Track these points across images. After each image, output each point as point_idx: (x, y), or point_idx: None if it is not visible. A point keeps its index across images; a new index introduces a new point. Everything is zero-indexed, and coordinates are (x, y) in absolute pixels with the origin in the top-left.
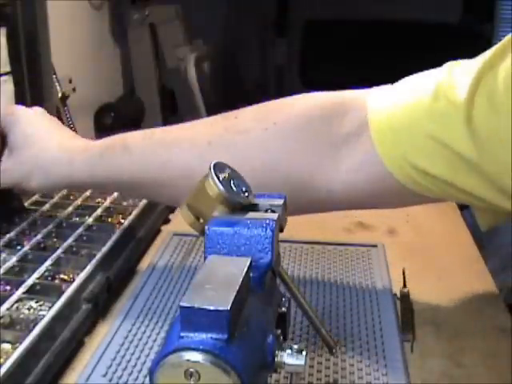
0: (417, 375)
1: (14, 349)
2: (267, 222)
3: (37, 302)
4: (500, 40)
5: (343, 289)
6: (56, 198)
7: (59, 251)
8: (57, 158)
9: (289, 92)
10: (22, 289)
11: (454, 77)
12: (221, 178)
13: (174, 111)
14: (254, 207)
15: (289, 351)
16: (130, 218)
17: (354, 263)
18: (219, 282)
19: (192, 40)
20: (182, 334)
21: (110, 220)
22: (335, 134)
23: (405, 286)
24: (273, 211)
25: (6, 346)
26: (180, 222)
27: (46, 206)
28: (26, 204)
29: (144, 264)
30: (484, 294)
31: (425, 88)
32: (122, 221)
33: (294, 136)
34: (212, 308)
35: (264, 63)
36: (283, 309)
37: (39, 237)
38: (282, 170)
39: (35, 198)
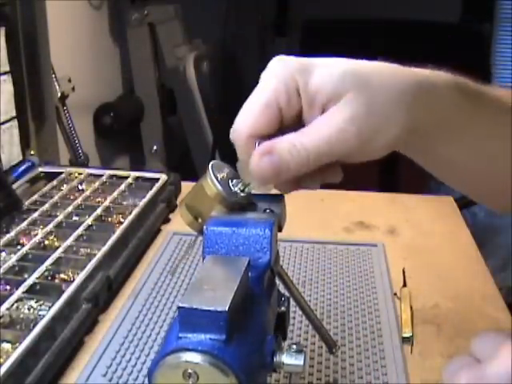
0: (417, 375)
1: (14, 348)
2: (266, 221)
3: (37, 302)
4: (500, 40)
5: (343, 288)
6: (56, 198)
7: (59, 251)
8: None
9: None
10: (22, 288)
11: None
12: (219, 178)
13: (173, 111)
14: (252, 207)
15: (288, 351)
16: (130, 217)
17: (354, 263)
18: (218, 282)
19: (191, 39)
20: (180, 335)
21: (109, 220)
22: None
23: (405, 285)
24: (271, 211)
25: (6, 346)
26: (180, 221)
27: (46, 206)
28: (25, 204)
29: (144, 264)
30: (484, 294)
31: None
32: (122, 221)
33: None
34: (210, 309)
35: (264, 63)
36: (282, 308)
37: (39, 237)
38: None
39: (35, 197)
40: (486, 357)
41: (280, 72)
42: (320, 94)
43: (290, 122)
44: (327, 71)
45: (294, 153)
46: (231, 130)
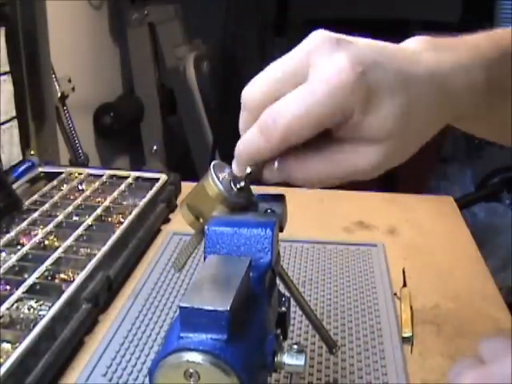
0: (417, 375)
1: (14, 348)
2: (267, 221)
3: (37, 302)
4: None
5: (343, 288)
6: (56, 198)
7: (59, 251)
8: None
9: None
10: (22, 288)
11: None
12: (220, 178)
13: (173, 111)
14: (253, 207)
15: (288, 351)
16: (130, 217)
17: (354, 263)
18: (219, 282)
19: (191, 39)
20: (181, 335)
21: (109, 220)
22: None
23: (405, 285)
24: (273, 211)
25: (6, 346)
26: (180, 221)
27: (46, 206)
28: (25, 204)
29: (144, 264)
30: (484, 294)
31: None
32: (122, 221)
33: None
34: (211, 308)
35: (264, 62)
36: (283, 308)
37: (39, 237)
38: None
39: (35, 197)
40: (491, 358)
41: (310, 44)
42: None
43: None
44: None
45: (280, 117)
46: (243, 92)
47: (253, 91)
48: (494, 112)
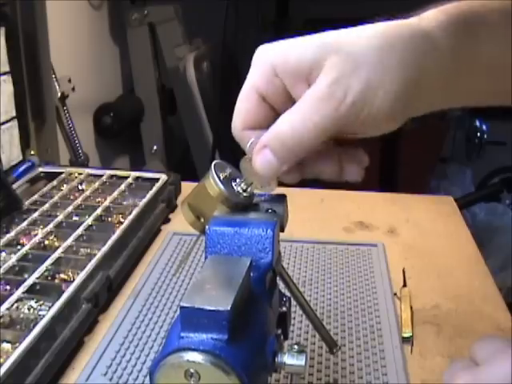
0: (417, 375)
1: (14, 348)
2: (268, 222)
3: (37, 302)
4: None
5: (343, 288)
6: (56, 198)
7: (59, 251)
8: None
9: None
10: (22, 288)
11: None
12: (221, 178)
13: (173, 111)
14: (254, 207)
15: (289, 352)
16: (130, 217)
17: (355, 263)
18: (219, 282)
19: (191, 39)
20: (182, 335)
21: (109, 220)
22: None
23: (405, 285)
24: (273, 211)
25: (6, 346)
26: (180, 221)
27: (46, 206)
28: (25, 204)
29: (144, 264)
30: (484, 294)
31: None
32: (122, 221)
33: None
34: (212, 308)
35: None
36: (284, 308)
37: (39, 237)
38: None
39: (35, 197)
40: (484, 360)
41: (256, 60)
42: (301, 68)
43: (283, 107)
44: (304, 44)
45: (285, 140)
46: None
47: (235, 123)
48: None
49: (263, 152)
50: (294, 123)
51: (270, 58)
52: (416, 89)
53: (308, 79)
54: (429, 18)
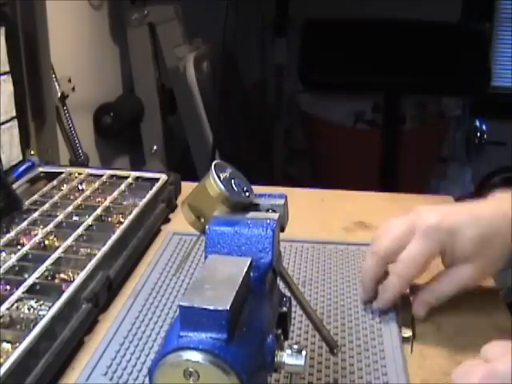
0: (417, 375)
1: (14, 348)
2: (268, 221)
3: (37, 302)
4: (500, 40)
5: (343, 288)
6: (56, 198)
7: (59, 251)
8: None
9: (288, 92)
10: (22, 288)
11: None
12: (221, 178)
13: (173, 111)
14: (254, 207)
15: (288, 351)
16: (130, 217)
17: (355, 263)
18: (219, 281)
19: (191, 39)
20: (181, 334)
21: (109, 220)
22: None
23: None
24: (274, 211)
25: (6, 346)
26: (180, 221)
27: (46, 206)
28: (25, 204)
29: (144, 264)
30: (484, 294)
31: None
32: (122, 221)
33: None
34: (211, 308)
35: (263, 63)
36: (284, 308)
37: (39, 237)
38: None
39: (35, 197)
40: (498, 356)
41: (431, 240)
42: (459, 257)
43: None
44: (467, 237)
45: (436, 297)
46: (372, 238)
47: (382, 249)
48: None
49: (423, 307)
50: (444, 292)
51: (444, 242)
52: None
53: (453, 262)
54: None
